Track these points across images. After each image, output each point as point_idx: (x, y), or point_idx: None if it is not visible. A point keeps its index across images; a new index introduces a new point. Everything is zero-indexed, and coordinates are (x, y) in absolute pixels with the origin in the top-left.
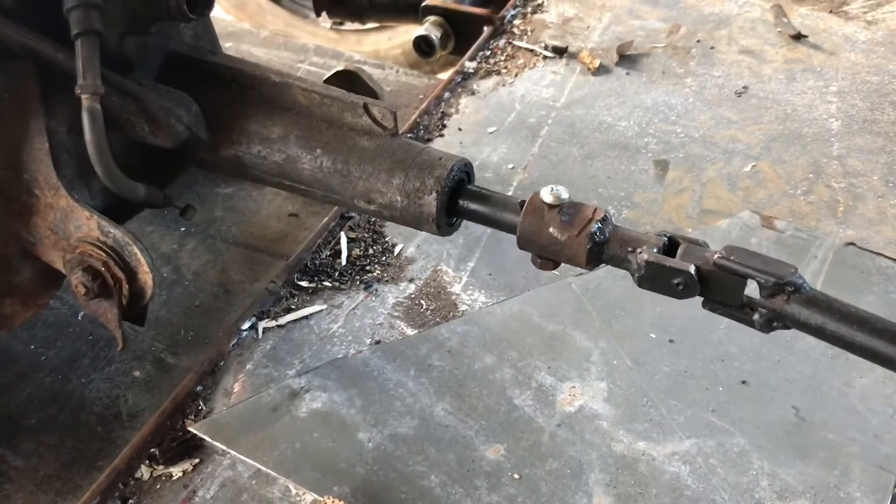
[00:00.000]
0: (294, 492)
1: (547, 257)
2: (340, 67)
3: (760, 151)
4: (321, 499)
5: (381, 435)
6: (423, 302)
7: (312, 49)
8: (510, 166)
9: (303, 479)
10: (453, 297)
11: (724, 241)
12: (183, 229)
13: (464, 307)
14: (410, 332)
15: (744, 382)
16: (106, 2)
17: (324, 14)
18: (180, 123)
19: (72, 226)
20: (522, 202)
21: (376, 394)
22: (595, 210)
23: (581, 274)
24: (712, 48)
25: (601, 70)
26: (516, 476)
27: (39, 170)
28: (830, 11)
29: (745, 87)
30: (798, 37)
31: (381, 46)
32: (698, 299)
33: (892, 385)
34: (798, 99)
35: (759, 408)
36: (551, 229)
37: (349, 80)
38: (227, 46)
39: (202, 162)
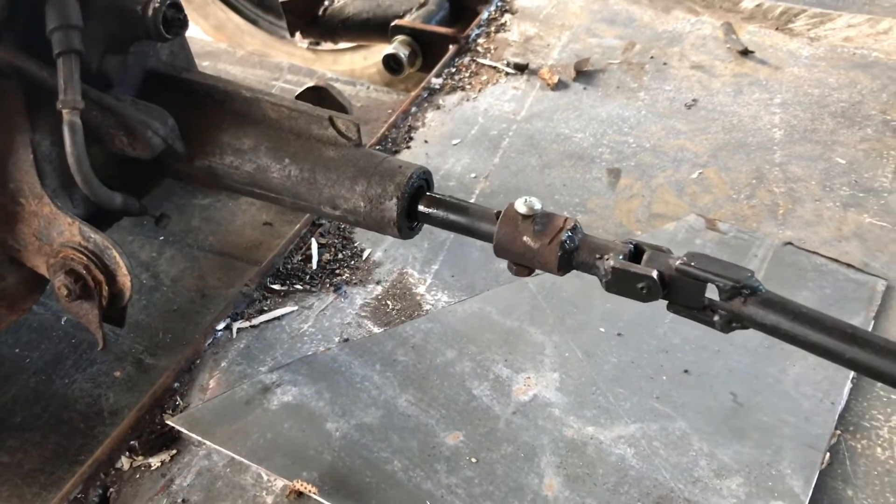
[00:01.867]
0: (266, 478)
1: (522, 264)
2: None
3: (707, 160)
4: (291, 483)
5: (347, 425)
6: (389, 302)
7: (287, 67)
8: (473, 175)
9: (274, 466)
10: (418, 298)
11: (671, 243)
12: (162, 238)
13: (427, 307)
14: (377, 330)
15: (686, 371)
16: (87, 23)
17: (298, 34)
18: (157, 136)
19: (55, 232)
20: (498, 212)
21: (343, 387)
22: (566, 220)
23: (538, 274)
24: (665, 64)
25: (560, 85)
26: (473, 460)
27: (24, 180)
28: (777, 28)
29: (694, 100)
30: (745, 52)
31: (356, 65)
32: None
33: (822, 371)
34: (744, 110)
35: (699, 394)
36: (525, 238)
37: (319, 95)
38: (205, 65)
39: (178, 172)
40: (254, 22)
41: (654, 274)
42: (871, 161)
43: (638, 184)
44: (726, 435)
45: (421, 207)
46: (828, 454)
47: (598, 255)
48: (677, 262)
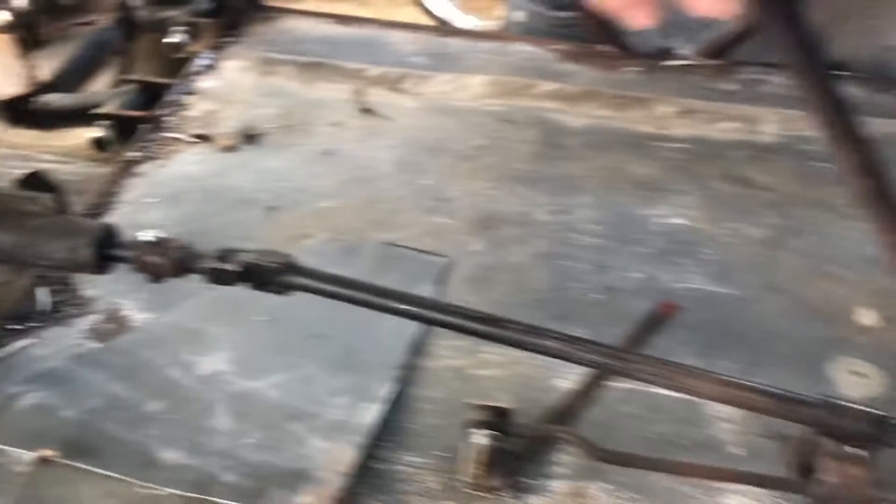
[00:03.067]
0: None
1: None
2: (28, 170)
3: (338, 192)
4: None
5: (79, 411)
6: (106, 326)
7: (9, 155)
8: (163, 225)
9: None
10: (128, 318)
11: (310, 256)
12: None
13: (137, 324)
14: (100, 345)
15: (314, 336)
16: None
17: (14, 127)
18: None
19: None
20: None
21: (74, 387)
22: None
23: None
24: (311, 125)
25: (232, 149)
26: (174, 416)
27: None
28: (392, 90)
29: (330, 150)
30: (369, 110)
31: (70, 146)
32: None
33: (401, 321)
34: (366, 154)
35: (323, 349)
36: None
37: (35, 178)
38: None
39: None
40: None
41: (236, 267)
42: (446, 180)
43: (287, 216)
44: (340, 371)
45: (109, 251)
46: (402, 370)
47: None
48: (248, 257)
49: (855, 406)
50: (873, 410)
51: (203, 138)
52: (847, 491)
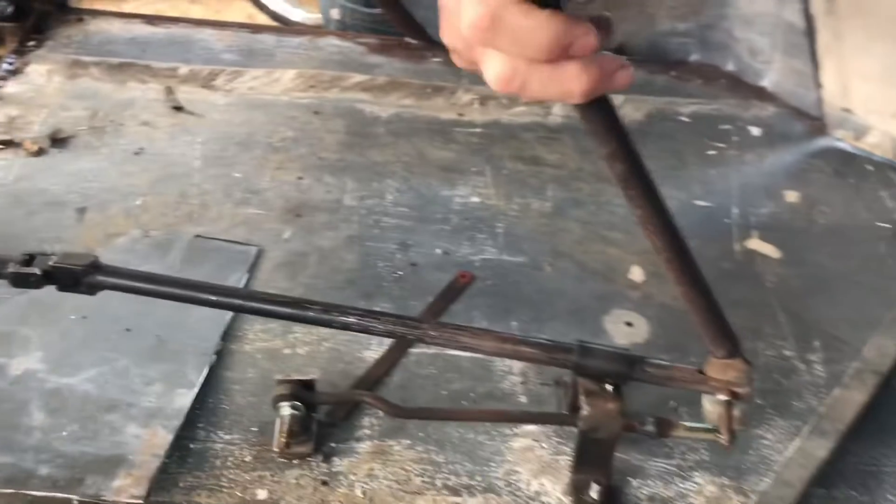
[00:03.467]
0: None
1: None
2: None
3: (148, 190)
4: None
5: None
6: None
7: None
8: None
9: None
10: None
11: (122, 253)
12: None
13: None
14: None
15: (128, 329)
16: None
17: None
18: None
19: None
20: None
21: None
22: None
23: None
24: (121, 125)
25: (40, 153)
26: None
27: None
28: (203, 87)
29: (141, 149)
30: (180, 108)
31: None
32: None
33: (213, 310)
34: (176, 151)
35: (136, 342)
36: None
37: None
38: None
39: None
40: None
41: (38, 271)
42: (257, 172)
43: (98, 215)
44: (153, 361)
45: None
46: (214, 356)
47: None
48: (51, 260)
49: (605, 348)
50: (620, 350)
51: (8, 144)
52: (604, 421)
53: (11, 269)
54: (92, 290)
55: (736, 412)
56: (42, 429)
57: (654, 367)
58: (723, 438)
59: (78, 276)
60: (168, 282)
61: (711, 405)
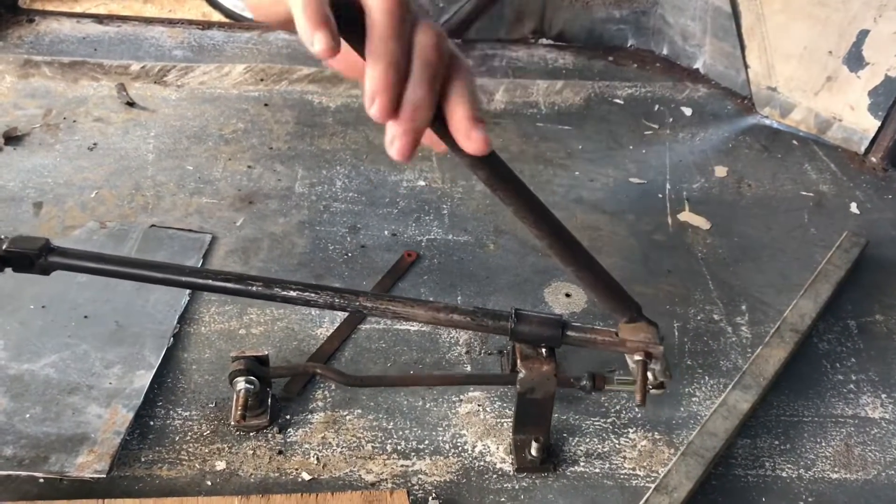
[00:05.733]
0: None
1: None
2: None
3: (102, 183)
4: None
5: None
6: None
7: None
8: None
9: None
10: None
11: (79, 244)
12: None
13: None
14: None
15: (86, 316)
16: None
17: None
18: None
19: None
20: None
21: None
22: None
23: None
24: (74, 121)
25: None
26: None
27: None
28: (155, 83)
29: (95, 144)
30: (132, 104)
31: None
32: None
33: (170, 293)
34: (129, 145)
35: (94, 328)
36: None
37: None
38: None
39: None
40: None
41: None
42: (209, 163)
43: (55, 209)
44: (112, 345)
45: None
46: (172, 338)
47: None
48: (4, 245)
49: (538, 313)
50: (552, 315)
51: None
52: (540, 382)
53: None
54: (45, 270)
55: (656, 367)
56: (5, 412)
57: (576, 331)
58: (637, 397)
59: (32, 258)
60: (118, 261)
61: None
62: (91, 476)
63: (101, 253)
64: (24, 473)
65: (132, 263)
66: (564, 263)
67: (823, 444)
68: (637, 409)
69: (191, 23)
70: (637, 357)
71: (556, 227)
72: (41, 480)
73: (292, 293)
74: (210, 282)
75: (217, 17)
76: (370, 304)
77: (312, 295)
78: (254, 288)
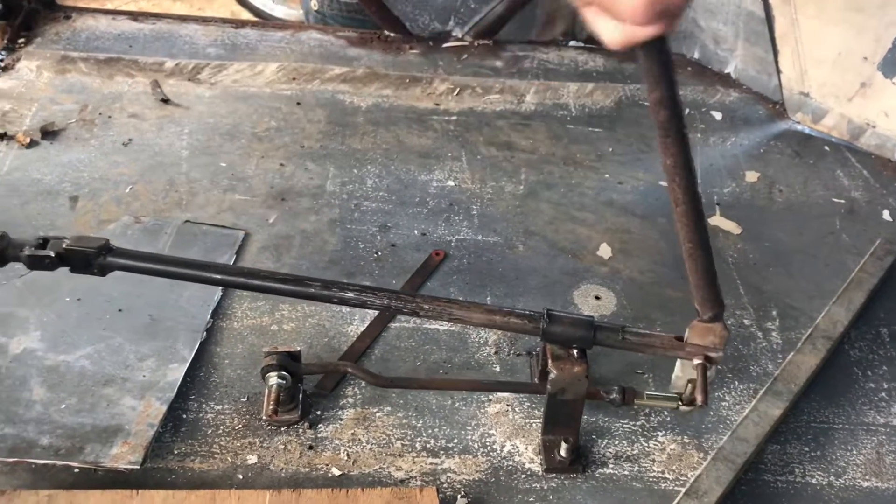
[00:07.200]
0: None
1: None
2: None
3: (137, 178)
4: None
5: None
6: None
7: None
8: None
9: None
10: None
11: (114, 239)
12: None
13: None
14: None
15: (120, 310)
16: None
17: None
18: None
19: None
20: None
21: None
22: None
23: (23, 275)
24: (110, 117)
25: (32, 144)
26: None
27: None
28: (189, 80)
29: (130, 140)
30: (166, 101)
31: None
32: None
33: (205, 289)
34: (164, 141)
35: (132, 321)
36: None
37: None
38: None
39: None
40: None
41: (53, 253)
42: (242, 161)
43: (90, 203)
44: (146, 339)
45: None
46: (205, 333)
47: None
48: (65, 244)
49: (570, 315)
50: (585, 317)
51: (1, 137)
52: (571, 382)
53: (27, 251)
54: (103, 271)
55: (709, 374)
56: (42, 402)
57: (634, 335)
58: (683, 407)
59: (90, 258)
60: (175, 262)
61: (683, 370)
62: (125, 467)
63: (158, 254)
64: (60, 462)
65: (190, 265)
66: (686, 238)
67: (854, 451)
68: (667, 413)
69: (224, 21)
70: (696, 361)
71: (697, 198)
72: (76, 470)
73: (349, 295)
74: (268, 283)
75: (246, 15)
76: (429, 307)
77: (370, 297)
78: (312, 290)
